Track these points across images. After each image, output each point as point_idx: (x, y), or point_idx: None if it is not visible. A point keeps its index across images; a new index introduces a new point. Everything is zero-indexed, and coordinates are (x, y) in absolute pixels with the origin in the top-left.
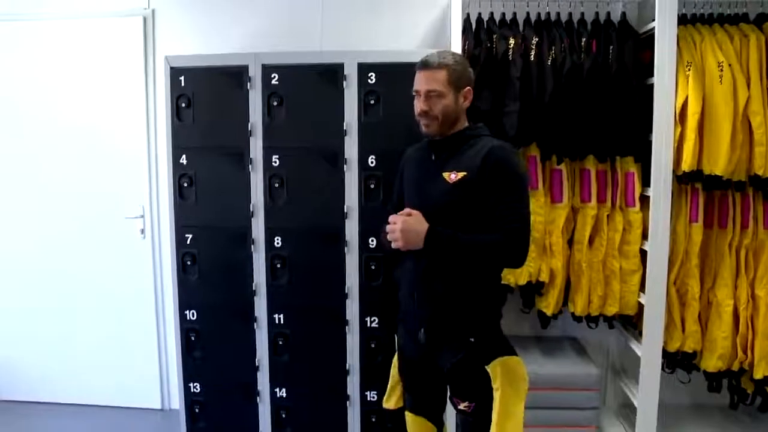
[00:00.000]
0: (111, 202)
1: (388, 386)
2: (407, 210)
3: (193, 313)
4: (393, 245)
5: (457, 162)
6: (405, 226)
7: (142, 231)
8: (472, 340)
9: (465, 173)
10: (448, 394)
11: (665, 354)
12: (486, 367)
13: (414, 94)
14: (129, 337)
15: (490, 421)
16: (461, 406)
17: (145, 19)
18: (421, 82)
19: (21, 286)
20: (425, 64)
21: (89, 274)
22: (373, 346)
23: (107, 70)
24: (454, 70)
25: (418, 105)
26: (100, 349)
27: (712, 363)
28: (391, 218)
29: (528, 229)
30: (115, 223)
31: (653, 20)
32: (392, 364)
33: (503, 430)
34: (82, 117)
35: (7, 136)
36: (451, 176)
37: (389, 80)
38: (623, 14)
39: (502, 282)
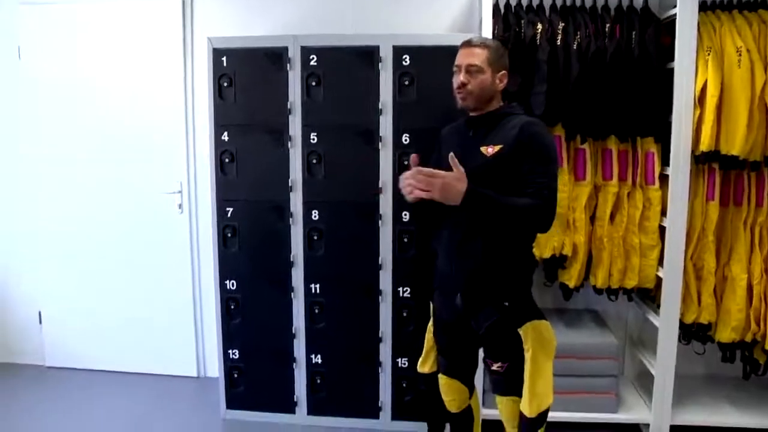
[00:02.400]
0: (150, 178)
1: (423, 351)
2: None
3: (233, 283)
4: (417, 194)
5: (493, 137)
6: (447, 180)
7: (180, 206)
8: (506, 304)
9: (501, 146)
10: (482, 356)
11: (681, 326)
12: (518, 329)
13: (455, 69)
14: (166, 308)
15: (521, 380)
16: (494, 367)
17: (183, 1)
18: (462, 57)
19: (63, 258)
20: (468, 42)
21: (129, 247)
22: (404, 315)
23: (147, 50)
24: (494, 52)
25: (458, 78)
26: (138, 319)
27: (726, 334)
28: (434, 172)
29: (555, 197)
30: (153, 198)
31: (674, 6)
32: (427, 330)
33: (535, 386)
34: (123, 96)
35: (50, 116)
36: (489, 150)
37: (423, 62)
38: (645, 0)
39: None
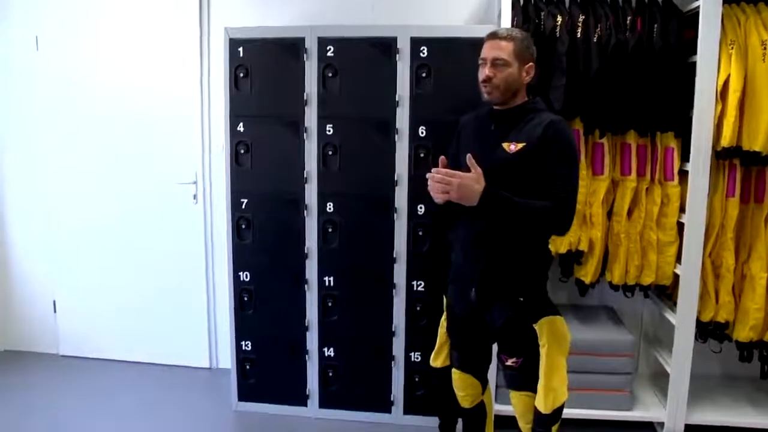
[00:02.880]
0: (165, 168)
1: (436, 345)
2: (475, 170)
3: (246, 275)
4: (440, 196)
5: (517, 133)
6: (464, 181)
7: (195, 196)
8: (522, 299)
9: (524, 144)
10: (496, 351)
11: (698, 324)
12: (533, 325)
13: (480, 62)
14: (179, 298)
15: (536, 375)
16: (509, 362)
17: None
18: (488, 50)
19: (77, 248)
20: (494, 35)
21: (143, 237)
22: (418, 309)
23: (164, 40)
24: (521, 44)
25: (483, 72)
26: (151, 309)
27: (744, 333)
28: (451, 173)
29: (575, 202)
30: (168, 189)
31: None
32: (440, 324)
33: (550, 382)
34: (139, 86)
35: (66, 106)
36: (511, 147)
37: (441, 54)
38: None
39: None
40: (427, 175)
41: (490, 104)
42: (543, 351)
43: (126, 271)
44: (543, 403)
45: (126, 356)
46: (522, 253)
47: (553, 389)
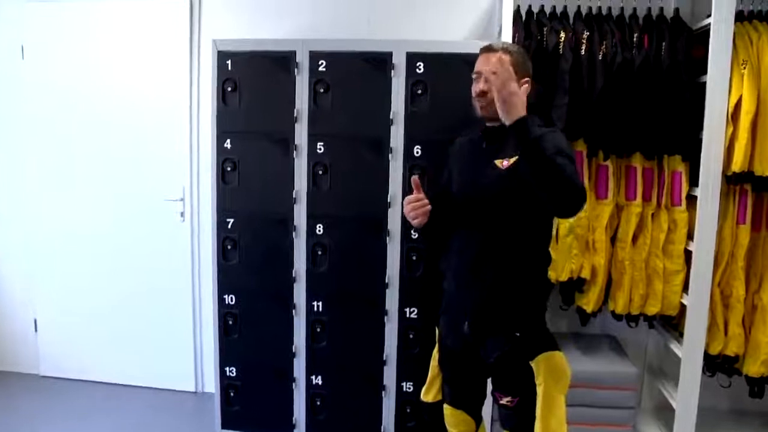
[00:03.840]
0: (151, 184)
1: (428, 379)
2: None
3: (231, 298)
4: (416, 222)
5: (507, 149)
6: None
7: (182, 214)
8: (518, 334)
9: (516, 158)
10: (490, 388)
11: (706, 356)
12: (530, 362)
13: (474, 76)
14: (165, 320)
15: (532, 415)
16: (504, 401)
17: (191, 3)
18: (482, 63)
19: (60, 265)
20: (489, 48)
21: (128, 255)
22: (411, 336)
23: (152, 52)
24: (517, 58)
25: (478, 86)
26: (136, 330)
27: (754, 368)
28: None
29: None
30: (154, 205)
31: (707, 16)
32: (432, 357)
33: (547, 425)
34: (126, 99)
35: (51, 118)
36: (504, 163)
37: (438, 70)
38: (676, 10)
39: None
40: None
41: (483, 122)
42: (540, 390)
43: (110, 290)
44: None
45: (109, 378)
46: (519, 284)
47: (550, 431)
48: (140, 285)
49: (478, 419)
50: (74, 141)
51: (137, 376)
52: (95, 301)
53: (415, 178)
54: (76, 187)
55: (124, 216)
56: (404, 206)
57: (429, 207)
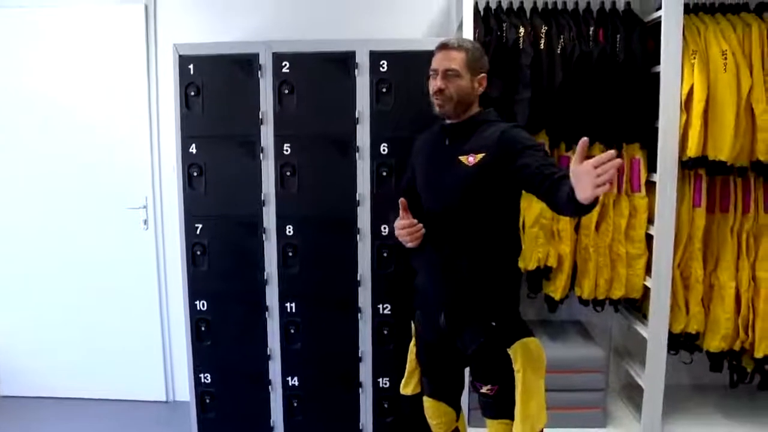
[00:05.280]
0: (113, 192)
1: (406, 372)
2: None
3: (203, 303)
4: (411, 244)
5: (472, 145)
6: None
7: (145, 221)
8: (494, 324)
9: (483, 154)
10: (469, 378)
11: (669, 335)
12: (507, 350)
13: (431, 74)
14: (132, 330)
15: (512, 401)
16: (484, 390)
17: (146, 7)
18: (439, 60)
19: (20, 278)
20: (445, 45)
21: (90, 265)
22: (385, 332)
23: (108, 58)
24: (472, 54)
25: (434, 83)
26: (102, 343)
27: (714, 343)
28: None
29: None
30: (117, 213)
31: (657, 9)
32: (409, 350)
33: (528, 408)
34: (82, 106)
35: (6, 125)
36: (469, 159)
37: (401, 68)
38: (627, 3)
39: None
40: (396, 226)
41: (442, 119)
42: (518, 376)
43: (72, 302)
44: (521, 431)
45: (75, 393)
46: (492, 275)
47: (530, 416)
48: (104, 295)
49: (458, 409)
50: (29, 151)
51: (105, 389)
52: (57, 315)
53: (403, 200)
54: (32, 199)
55: (85, 226)
56: (397, 230)
57: (423, 231)
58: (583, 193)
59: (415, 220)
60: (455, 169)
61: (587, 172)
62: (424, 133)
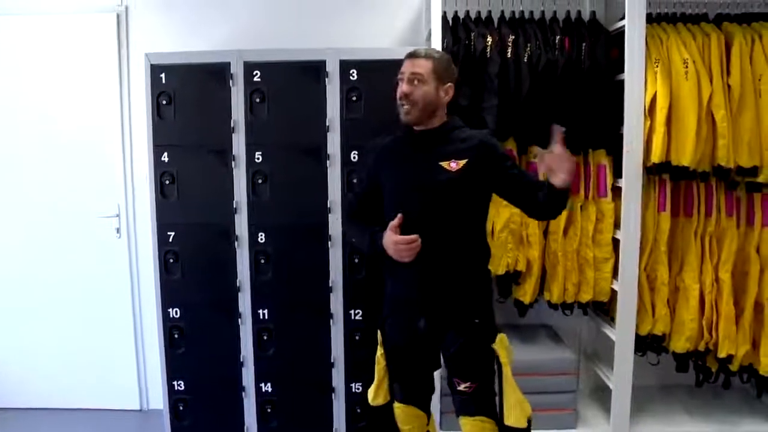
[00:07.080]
0: (85, 201)
1: (374, 383)
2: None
3: (176, 311)
4: (407, 259)
5: (453, 151)
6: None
7: (118, 230)
8: (477, 321)
9: (466, 160)
10: (445, 377)
11: (636, 337)
12: (492, 345)
13: (399, 79)
14: (105, 338)
15: (490, 399)
16: (462, 387)
17: (118, 16)
18: (406, 67)
19: None
20: (413, 54)
21: (62, 274)
22: (357, 338)
23: (80, 67)
24: (440, 63)
25: (401, 88)
26: (74, 352)
27: (680, 344)
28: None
29: None
30: (89, 222)
31: (621, 19)
32: (377, 361)
33: (516, 395)
34: (53, 115)
35: None
36: (452, 165)
37: (371, 77)
38: (592, 13)
39: None
40: (396, 242)
41: (406, 126)
42: (506, 369)
43: (45, 312)
44: (517, 418)
45: (48, 403)
46: (469, 275)
47: (520, 401)
48: (77, 304)
49: (429, 413)
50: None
51: (78, 398)
52: (28, 324)
53: (400, 216)
54: (2, 208)
55: (57, 235)
56: (394, 245)
57: (420, 247)
58: (558, 178)
59: (414, 236)
60: (438, 175)
61: (562, 158)
62: (381, 142)
